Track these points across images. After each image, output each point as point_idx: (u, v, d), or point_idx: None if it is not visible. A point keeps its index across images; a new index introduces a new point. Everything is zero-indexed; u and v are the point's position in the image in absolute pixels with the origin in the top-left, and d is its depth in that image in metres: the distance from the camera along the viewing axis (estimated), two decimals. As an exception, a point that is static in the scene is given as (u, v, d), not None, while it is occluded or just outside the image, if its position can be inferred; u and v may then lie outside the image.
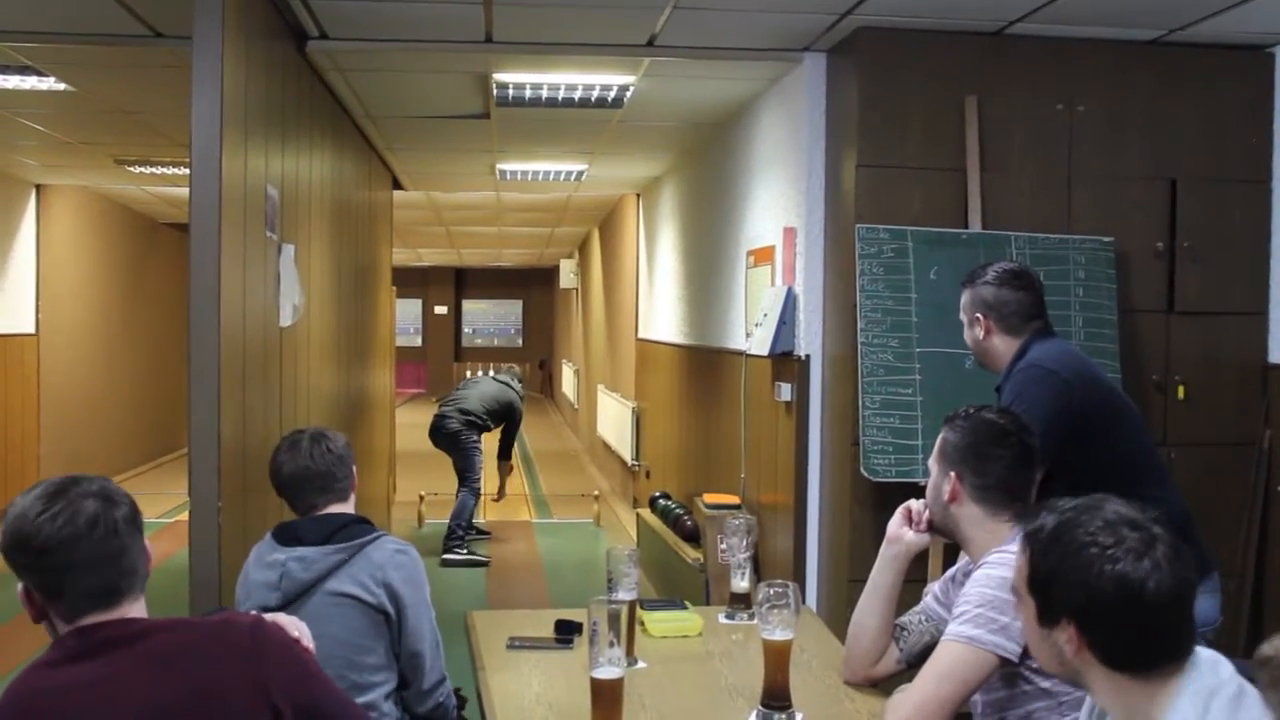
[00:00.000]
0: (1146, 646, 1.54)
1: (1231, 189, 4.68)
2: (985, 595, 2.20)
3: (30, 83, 5.65)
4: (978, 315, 3.19)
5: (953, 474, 2.38)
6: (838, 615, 4.13)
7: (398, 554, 2.71)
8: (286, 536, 2.71)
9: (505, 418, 8.58)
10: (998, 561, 2.26)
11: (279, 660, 1.83)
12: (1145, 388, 4.60)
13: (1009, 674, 2.24)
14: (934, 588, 2.61)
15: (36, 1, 4.37)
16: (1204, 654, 1.58)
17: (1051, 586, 1.58)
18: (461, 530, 7.99)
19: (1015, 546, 2.27)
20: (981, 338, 3.19)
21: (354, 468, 2.86)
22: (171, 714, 1.72)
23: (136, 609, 1.81)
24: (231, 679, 1.76)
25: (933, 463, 2.45)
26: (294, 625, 2.00)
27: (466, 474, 8.20)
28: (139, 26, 4.55)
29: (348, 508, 2.81)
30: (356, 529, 2.72)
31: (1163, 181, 4.65)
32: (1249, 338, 4.70)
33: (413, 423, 12.70)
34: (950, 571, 2.57)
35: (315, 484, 2.77)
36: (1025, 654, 2.20)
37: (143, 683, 1.73)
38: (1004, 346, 3.16)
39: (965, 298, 3.24)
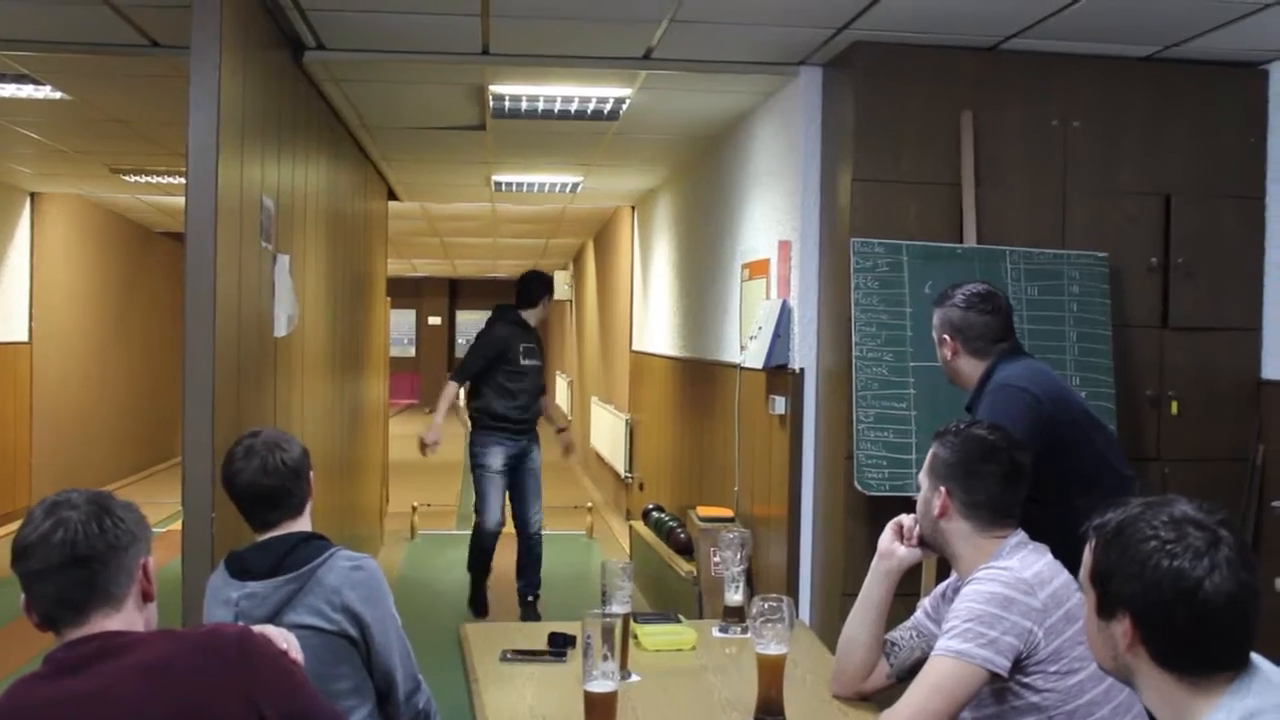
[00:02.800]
0: (1198, 648, 1.53)
1: (1225, 205, 4.70)
2: (974, 610, 2.21)
3: (27, 91, 5.65)
4: (945, 336, 3.28)
5: (943, 489, 2.39)
6: (831, 629, 4.12)
7: (353, 571, 2.56)
8: (236, 568, 2.60)
9: (472, 365, 6.45)
10: (987, 577, 2.26)
11: (267, 671, 1.82)
12: (1139, 403, 4.61)
13: (998, 689, 2.24)
14: (924, 603, 2.61)
15: (35, 10, 4.38)
16: (1265, 669, 1.55)
17: (1111, 578, 1.58)
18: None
19: (1005, 562, 2.30)
20: (949, 358, 3.29)
21: (310, 475, 2.74)
22: (161, 727, 1.72)
23: (114, 625, 1.79)
24: (219, 691, 1.76)
25: (923, 478, 2.46)
26: (282, 637, 1.99)
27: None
28: (136, 36, 4.56)
29: (302, 522, 2.69)
30: (305, 551, 2.58)
31: (1157, 197, 4.66)
32: (1242, 353, 4.71)
33: (406, 434, 12.67)
34: (940, 587, 2.57)
35: (270, 501, 2.65)
36: (1014, 669, 2.20)
37: (131, 695, 1.72)
38: (970, 368, 3.26)
39: (935, 318, 3.33)
